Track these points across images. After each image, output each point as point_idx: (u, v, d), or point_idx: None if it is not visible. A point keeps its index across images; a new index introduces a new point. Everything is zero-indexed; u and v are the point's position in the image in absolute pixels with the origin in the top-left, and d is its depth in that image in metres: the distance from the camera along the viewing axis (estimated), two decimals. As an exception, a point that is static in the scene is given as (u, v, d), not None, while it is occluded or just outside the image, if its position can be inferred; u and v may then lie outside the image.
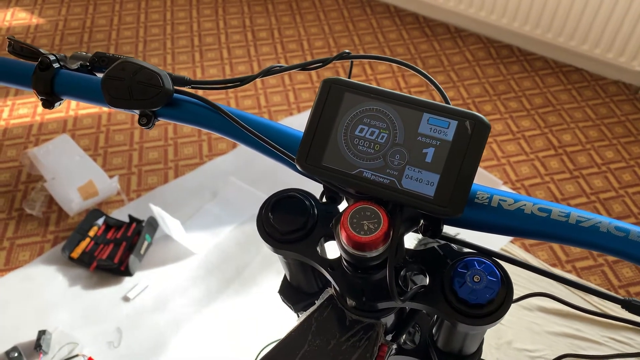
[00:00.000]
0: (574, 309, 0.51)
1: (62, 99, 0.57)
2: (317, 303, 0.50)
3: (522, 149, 2.14)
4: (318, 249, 0.48)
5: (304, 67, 0.57)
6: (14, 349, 1.50)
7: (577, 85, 2.40)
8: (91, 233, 1.76)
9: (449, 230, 0.49)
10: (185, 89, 0.53)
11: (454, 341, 0.53)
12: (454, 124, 0.40)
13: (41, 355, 1.49)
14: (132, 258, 1.66)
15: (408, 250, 0.48)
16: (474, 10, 2.47)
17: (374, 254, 0.41)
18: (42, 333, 1.52)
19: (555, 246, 1.84)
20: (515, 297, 0.47)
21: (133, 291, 1.64)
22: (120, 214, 1.84)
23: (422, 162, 0.40)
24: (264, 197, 0.51)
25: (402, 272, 0.47)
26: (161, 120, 0.55)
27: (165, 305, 1.62)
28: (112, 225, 1.80)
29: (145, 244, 1.72)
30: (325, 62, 0.56)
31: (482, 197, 0.44)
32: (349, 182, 0.41)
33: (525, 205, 0.43)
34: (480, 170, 2.03)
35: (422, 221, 0.45)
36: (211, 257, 1.73)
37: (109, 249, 1.72)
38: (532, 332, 1.61)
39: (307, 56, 2.50)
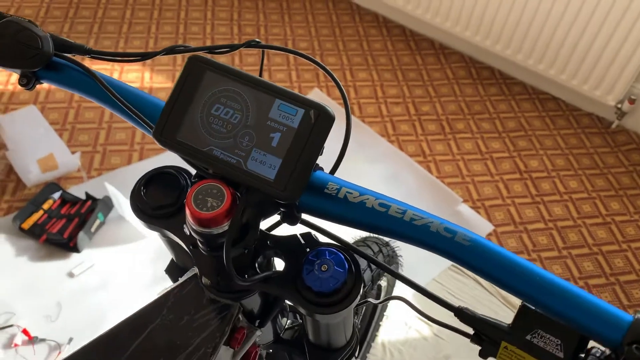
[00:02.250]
0: (420, 315, 0.52)
1: None
2: (180, 280, 0.51)
3: (488, 170, 2.15)
4: (185, 227, 0.49)
5: (210, 50, 0.57)
6: (-50, 312, 1.50)
7: (552, 113, 2.42)
8: (45, 206, 1.75)
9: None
10: (70, 55, 0.54)
11: (319, 333, 0.54)
12: (300, 112, 0.41)
13: (-24, 321, 1.48)
14: (81, 234, 1.66)
15: (272, 236, 0.49)
16: (459, 29, 2.49)
17: (219, 230, 0.42)
18: (-21, 299, 1.51)
19: (524, 235, 1.90)
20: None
21: (78, 268, 1.64)
22: (78, 191, 1.83)
23: (268, 145, 0.41)
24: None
25: (259, 258, 0.48)
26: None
27: (109, 284, 1.61)
28: (68, 200, 1.79)
29: (97, 222, 1.72)
30: (233, 48, 0.57)
31: (332, 188, 0.45)
32: (199, 158, 0.42)
33: (368, 199, 0.44)
34: (441, 185, 2.05)
35: (280, 208, 0.46)
36: (161, 242, 1.72)
37: (60, 224, 1.71)
38: (470, 348, 1.62)
39: (292, 71, 2.50)
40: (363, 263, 0.94)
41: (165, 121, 0.42)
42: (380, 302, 0.57)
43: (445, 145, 2.22)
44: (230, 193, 0.41)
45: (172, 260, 0.62)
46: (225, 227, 0.41)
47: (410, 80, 2.49)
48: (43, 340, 1.48)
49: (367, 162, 2.09)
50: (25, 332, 1.48)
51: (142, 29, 2.54)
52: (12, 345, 1.46)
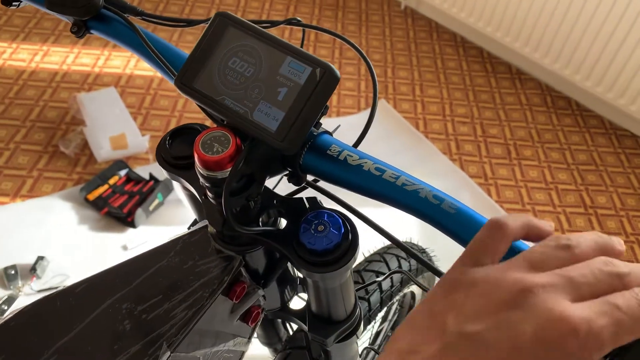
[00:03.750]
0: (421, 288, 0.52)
1: (20, 1, 0.64)
2: (191, 229, 0.53)
3: (551, 200, 2.08)
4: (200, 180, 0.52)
5: (253, 23, 0.60)
6: (13, 267, 1.61)
7: (629, 151, 2.31)
8: (111, 181, 1.85)
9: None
10: (115, 9, 0.58)
11: (320, 300, 0.55)
12: (308, 70, 0.43)
13: (34, 278, 1.59)
14: (139, 211, 1.74)
15: (278, 195, 0.50)
16: (538, 56, 2.43)
17: (223, 175, 0.44)
18: (40, 259, 1.62)
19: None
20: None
21: (132, 242, 1.72)
22: (143, 171, 1.93)
23: (275, 99, 0.43)
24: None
25: (264, 215, 0.50)
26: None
27: (157, 262, 1.68)
28: (132, 178, 1.89)
29: (156, 202, 1.80)
30: (274, 24, 0.59)
31: (334, 150, 0.46)
32: (211, 105, 0.44)
33: (365, 163, 0.45)
34: (499, 210, 2.00)
35: (287, 169, 0.48)
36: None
37: (122, 199, 1.81)
38: None
39: (362, 65, 2.54)
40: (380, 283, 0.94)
41: (186, 69, 0.45)
42: (383, 280, 0.57)
43: (509, 170, 2.17)
44: (235, 140, 0.43)
45: (195, 219, 0.65)
46: (228, 172, 0.44)
47: (481, 101, 2.45)
48: (91, 304, 1.56)
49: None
50: (76, 294, 1.56)
51: (203, 12, 2.67)
52: (63, 305, 1.55)
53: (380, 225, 0.46)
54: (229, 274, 0.49)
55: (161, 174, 1.88)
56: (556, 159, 2.25)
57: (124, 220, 1.76)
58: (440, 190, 0.43)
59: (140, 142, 1.95)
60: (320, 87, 0.42)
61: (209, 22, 0.46)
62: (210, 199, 0.48)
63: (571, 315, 0.27)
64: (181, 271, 0.50)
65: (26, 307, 0.47)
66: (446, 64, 2.62)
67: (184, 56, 0.56)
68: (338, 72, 0.42)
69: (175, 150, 0.53)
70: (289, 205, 0.49)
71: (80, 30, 0.58)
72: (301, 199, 0.49)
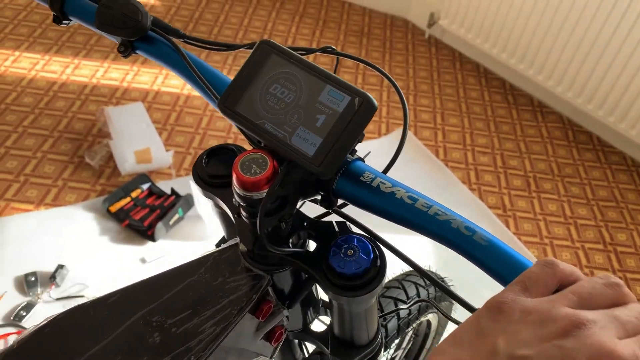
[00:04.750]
0: (446, 317, 0.52)
1: (70, 20, 0.67)
2: (222, 246, 0.55)
3: (570, 235, 2.07)
4: (234, 198, 0.53)
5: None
6: (33, 273, 1.64)
7: (650, 189, 2.29)
8: (133, 194, 1.89)
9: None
10: (161, 32, 0.61)
11: (343, 323, 0.56)
12: (347, 99, 0.45)
13: (53, 286, 1.61)
14: (159, 225, 1.76)
15: (309, 218, 0.52)
16: (561, 89, 2.44)
17: (258, 196, 0.45)
18: (60, 267, 1.64)
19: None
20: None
21: (151, 255, 1.74)
22: (165, 186, 1.95)
23: (313, 125, 0.45)
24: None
25: (294, 236, 0.51)
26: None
27: (174, 276, 1.70)
28: (154, 192, 1.92)
29: (176, 216, 1.82)
30: (309, 52, 0.61)
31: (367, 177, 0.48)
32: (252, 129, 0.46)
33: (398, 191, 0.46)
34: (517, 242, 1.99)
35: (320, 192, 0.49)
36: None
37: (143, 212, 1.83)
38: None
39: (384, 92, 2.57)
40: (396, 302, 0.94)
41: (229, 93, 0.47)
42: (407, 307, 0.57)
43: (528, 203, 2.16)
44: (273, 163, 0.45)
45: (223, 237, 0.67)
46: (264, 193, 0.45)
47: (502, 132, 2.46)
48: (107, 315, 1.57)
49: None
50: (93, 305, 1.58)
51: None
52: (80, 314, 1.57)
53: (405, 253, 0.47)
54: (257, 292, 0.51)
55: (183, 189, 1.91)
56: (576, 193, 2.24)
57: (144, 233, 1.78)
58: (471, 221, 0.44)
59: (164, 157, 1.98)
60: (358, 116, 0.44)
61: (253, 48, 0.48)
62: (244, 218, 0.50)
63: (620, 350, 0.30)
64: (211, 287, 0.51)
65: (60, 314, 0.49)
66: (468, 94, 2.64)
67: (225, 79, 0.58)
68: (376, 102, 0.44)
69: (211, 169, 0.54)
70: (319, 228, 0.51)
71: (127, 50, 0.61)
72: (330, 222, 0.51)
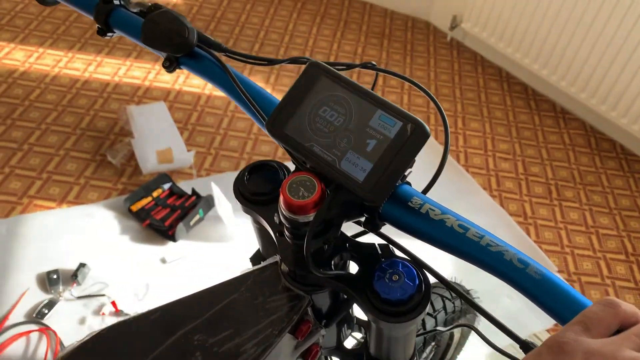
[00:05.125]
0: (492, 347, 0.52)
1: (114, 32, 0.67)
2: (262, 264, 0.54)
3: (591, 245, 2.04)
4: (275, 216, 0.53)
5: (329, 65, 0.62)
6: (55, 271, 1.65)
7: (674, 199, 2.26)
8: (155, 194, 1.89)
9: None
10: (207, 48, 0.61)
11: (381, 345, 0.55)
12: (398, 124, 0.44)
13: (74, 284, 1.62)
14: (180, 226, 1.77)
15: (352, 239, 0.51)
16: (585, 96, 2.41)
17: (305, 219, 0.45)
18: (81, 265, 1.65)
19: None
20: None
21: (172, 256, 1.75)
22: (186, 186, 1.96)
23: (363, 150, 0.44)
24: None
25: (337, 257, 0.51)
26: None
27: (195, 277, 1.70)
28: (175, 192, 1.93)
29: (197, 217, 1.83)
30: (349, 67, 0.61)
31: (415, 202, 0.47)
32: (300, 152, 0.46)
33: (448, 219, 0.45)
34: (537, 250, 1.97)
35: (364, 214, 0.49)
36: (251, 250, 1.79)
37: (164, 212, 1.84)
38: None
39: (405, 95, 2.55)
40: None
41: (277, 114, 0.47)
42: (447, 330, 0.57)
43: (550, 211, 2.14)
44: (321, 187, 0.45)
45: (258, 250, 0.66)
46: (310, 217, 0.45)
47: (524, 138, 2.44)
48: (127, 315, 1.58)
49: (464, 212, 2.05)
50: (113, 304, 1.59)
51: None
52: (101, 312, 1.58)
53: (449, 279, 0.46)
54: (297, 313, 0.50)
55: (203, 189, 1.92)
56: (598, 202, 2.21)
57: (165, 233, 1.79)
58: (507, 242, 0.44)
59: (185, 158, 1.99)
60: (410, 143, 0.43)
61: (303, 70, 0.47)
62: (287, 238, 0.49)
63: None
64: (251, 306, 0.51)
65: (102, 330, 0.49)
66: (490, 98, 2.62)
67: (271, 99, 0.58)
68: (428, 129, 0.43)
69: (253, 186, 0.54)
70: (361, 250, 0.50)
71: (172, 66, 0.61)
72: (373, 244, 0.50)
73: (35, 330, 1.53)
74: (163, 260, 1.74)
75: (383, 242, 0.51)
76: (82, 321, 1.57)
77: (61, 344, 1.51)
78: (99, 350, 0.47)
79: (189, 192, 1.93)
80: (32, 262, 1.68)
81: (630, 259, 2.01)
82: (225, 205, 1.80)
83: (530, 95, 2.66)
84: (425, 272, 0.48)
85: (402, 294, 0.45)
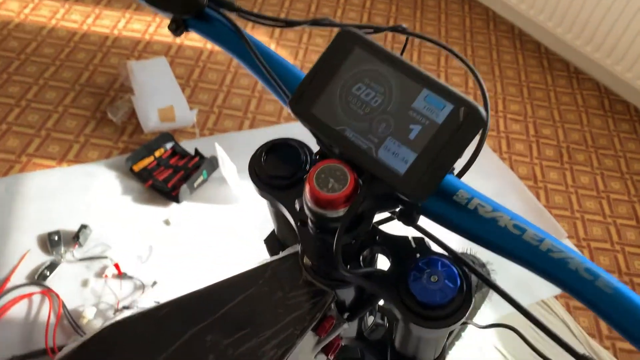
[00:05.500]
0: (536, 353, 0.48)
1: None
2: (281, 255, 0.50)
3: (602, 210, 2.00)
4: (297, 202, 0.48)
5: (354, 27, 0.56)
6: (57, 232, 1.61)
7: (687, 163, 2.21)
8: (157, 153, 1.84)
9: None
10: (220, 9, 0.54)
11: (408, 343, 0.51)
12: (448, 107, 0.38)
13: (76, 246, 1.59)
14: (184, 187, 1.72)
15: (382, 231, 0.46)
16: (599, 56, 2.32)
17: (334, 214, 0.40)
18: (83, 227, 1.62)
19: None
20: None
21: (175, 218, 1.71)
22: (189, 145, 1.90)
23: (405, 137, 0.39)
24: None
25: (366, 250, 0.46)
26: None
27: (198, 240, 1.67)
28: (177, 152, 1.87)
29: (201, 178, 1.78)
30: (377, 30, 0.55)
31: (462, 197, 0.41)
32: (329, 137, 0.40)
33: (501, 217, 0.40)
34: (547, 215, 1.93)
35: (399, 205, 0.44)
36: (257, 213, 1.76)
37: (167, 173, 1.79)
38: None
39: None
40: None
41: (303, 91, 0.41)
42: (485, 327, 0.53)
43: (560, 175, 2.09)
44: (353, 178, 0.39)
45: (273, 231, 0.62)
46: (340, 212, 0.40)
47: (535, 99, 2.36)
48: (130, 277, 1.56)
49: (473, 175, 2.01)
50: (116, 266, 1.57)
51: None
52: (103, 275, 1.55)
53: (497, 284, 0.42)
54: (320, 310, 0.46)
55: (206, 149, 1.86)
56: (610, 166, 2.16)
57: (168, 194, 1.74)
58: (589, 260, 0.38)
59: (187, 116, 1.93)
60: (462, 131, 0.37)
61: (333, 39, 0.41)
62: (310, 229, 0.45)
63: None
64: (270, 303, 0.46)
65: (105, 328, 0.45)
66: (502, 57, 2.53)
67: (296, 73, 0.52)
68: (485, 114, 0.37)
69: (270, 168, 0.49)
70: (393, 243, 0.45)
71: (179, 29, 0.54)
72: (407, 238, 0.45)
73: (37, 293, 1.51)
74: (167, 222, 1.70)
75: (416, 233, 0.46)
76: (85, 283, 1.54)
77: (64, 306, 1.48)
78: (99, 352, 0.43)
79: (192, 152, 1.87)
80: (33, 222, 1.65)
81: (641, 225, 1.98)
82: (230, 166, 1.74)
83: (543, 53, 2.57)
84: (466, 270, 0.43)
85: (442, 298, 0.41)
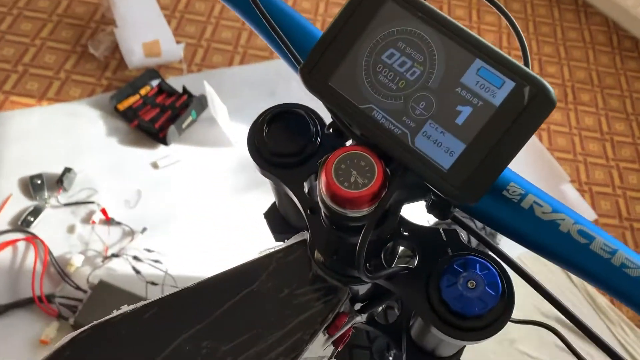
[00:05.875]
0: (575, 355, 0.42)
1: None
2: (287, 243, 0.43)
3: (605, 153, 1.94)
4: (306, 184, 0.40)
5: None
6: (39, 176, 1.53)
7: (694, 105, 2.13)
8: (142, 91, 1.73)
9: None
10: None
11: (427, 338, 0.45)
12: (509, 84, 0.29)
13: (60, 190, 1.52)
14: (172, 128, 1.63)
15: (407, 222, 0.39)
16: (611, -12, 2.20)
17: (355, 214, 0.33)
18: (67, 170, 1.53)
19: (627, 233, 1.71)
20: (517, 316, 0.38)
21: (164, 160, 1.63)
22: (176, 82, 1.80)
23: (451, 121, 0.30)
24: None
25: (389, 244, 0.39)
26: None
27: (188, 185, 1.60)
28: (164, 90, 1.77)
29: (190, 119, 1.69)
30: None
31: (514, 192, 0.34)
32: (352, 117, 0.32)
33: (563, 220, 0.33)
34: (549, 158, 1.87)
35: (430, 195, 0.36)
36: (247, 154, 1.68)
37: (153, 113, 1.69)
38: (540, 340, 1.51)
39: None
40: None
41: (318, 58, 0.32)
42: (519, 322, 0.46)
43: (564, 116, 2.02)
44: (382, 171, 0.32)
45: (274, 203, 0.54)
46: (364, 211, 0.32)
47: (541, 34, 2.25)
48: (119, 223, 1.49)
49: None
50: (103, 211, 1.50)
51: None
52: (90, 221, 1.49)
53: (544, 286, 0.35)
54: (332, 309, 0.40)
55: (195, 87, 1.75)
56: (615, 107, 2.08)
57: (156, 135, 1.66)
58: None
59: (174, 51, 1.81)
60: (527, 115, 0.29)
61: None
62: (322, 221, 0.37)
63: None
64: (276, 301, 0.40)
65: (82, 332, 0.38)
66: (507, -12, 2.39)
67: (310, 30, 0.42)
68: (554, 95, 0.29)
69: (274, 143, 0.41)
70: (422, 237, 0.38)
71: None
72: (437, 230, 0.38)
73: (22, 240, 1.45)
74: (155, 165, 1.62)
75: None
76: (71, 229, 1.48)
77: (50, 253, 1.43)
78: (79, 361, 0.37)
79: (180, 89, 1.76)
80: (14, 165, 1.56)
81: (644, 169, 1.93)
82: (220, 107, 1.65)
83: (551, -15, 2.43)
84: (506, 271, 0.36)
85: (481, 308, 0.34)
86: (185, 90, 1.75)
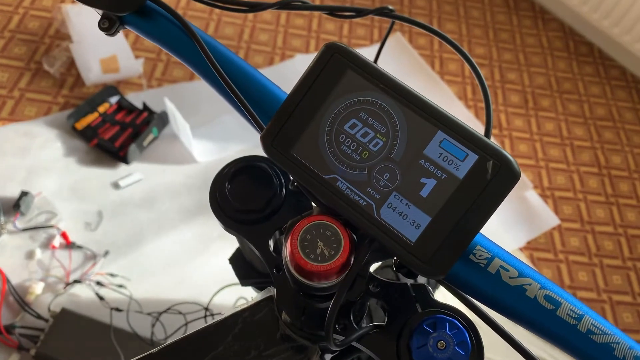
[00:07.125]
0: None
1: None
2: (252, 301, 0.41)
3: (565, 157, 1.99)
4: (271, 241, 0.39)
5: (331, 10, 0.46)
6: (-6, 201, 1.48)
7: (648, 108, 2.20)
8: (101, 109, 1.69)
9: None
10: (168, 6, 0.42)
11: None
12: (472, 157, 0.29)
13: (18, 215, 1.46)
14: (132, 147, 1.59)
15: (377, 278, 0.38)
16: (566, -5, 2.25)
17: (322, 285, 0.32)
18: (24, 194, 1.48)
19: (589, 236, 1.76)
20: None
21: (125, 180, 1.59)
22: (136, 99, 1.76)
23: (415, 194, 0.30)
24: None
25: (357, 301, 0.38)
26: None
27: (152, 203, 1.56)
28: (124, 107, 1.72)
29: (151, 136, 1.65)
30: (359, 13, 0.45)
31: (481, 256, 0.34)
32: (317, 188, 0.31)
33: (530, 285, 0.33)
34: (513, 166, 1.90)
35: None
36: (212, 170, 1.65)
37: (113, 131, 1.65)
38: None
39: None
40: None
41: (279, 127, 0.31)
42: None
43: (525, 122, 2.05)
44: (349, 241, 0.31)
45: (238, 249, 0.53)
46: (332, 282, 0.31)
47: (501, 41, 2.28)
48: (80, 247, 1.45)
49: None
50: (64, 235, 1.45)
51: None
52: (50, 246, 1.44)
53: (517, 339, 0.34)
54: (302, 370, 0.39)
55: (155, 104, 1.72)
56: (574, 111, 2.13)
57: (116, 154, 1.61)
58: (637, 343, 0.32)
59: (133, 66, 1.77)
60: (492, 188, 0.29)
61: (316, 57, 0.31)
62: (289, 283, 0.36)
63: None
64: (242, 365, 0.38)
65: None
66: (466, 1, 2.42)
67: (274, 92, 0.40)
68: (518, 168, 0.29)
69: (237, 199, 0.39)
70: (390, 292, 0.37)
71: (112, 27, 0.42)
72: (405, 285, 0.37)
73: (-23, 269, 1.39)
74: (116, 185, 1.58)
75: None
76: (30, 256, 1.43)
77: (8, 282, 1.37)
78: None
79: (140, 106, 1.73)
80: (-34, 190, 1.50)
81: (603, 172, 1.98)
82: (182, 124, 1.62)
83: (509, -8, 2.47)
84: (476, 327, 0.36)
85: None
86: (145, 107, 1.71)
